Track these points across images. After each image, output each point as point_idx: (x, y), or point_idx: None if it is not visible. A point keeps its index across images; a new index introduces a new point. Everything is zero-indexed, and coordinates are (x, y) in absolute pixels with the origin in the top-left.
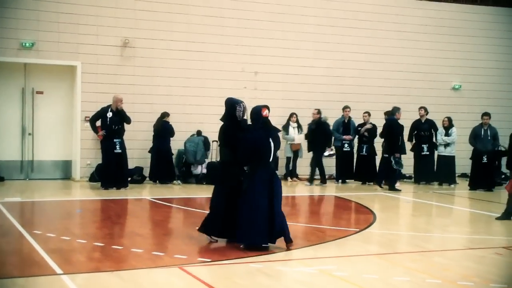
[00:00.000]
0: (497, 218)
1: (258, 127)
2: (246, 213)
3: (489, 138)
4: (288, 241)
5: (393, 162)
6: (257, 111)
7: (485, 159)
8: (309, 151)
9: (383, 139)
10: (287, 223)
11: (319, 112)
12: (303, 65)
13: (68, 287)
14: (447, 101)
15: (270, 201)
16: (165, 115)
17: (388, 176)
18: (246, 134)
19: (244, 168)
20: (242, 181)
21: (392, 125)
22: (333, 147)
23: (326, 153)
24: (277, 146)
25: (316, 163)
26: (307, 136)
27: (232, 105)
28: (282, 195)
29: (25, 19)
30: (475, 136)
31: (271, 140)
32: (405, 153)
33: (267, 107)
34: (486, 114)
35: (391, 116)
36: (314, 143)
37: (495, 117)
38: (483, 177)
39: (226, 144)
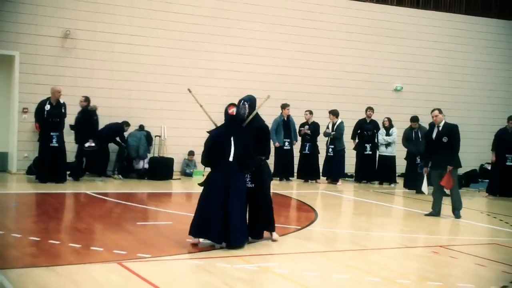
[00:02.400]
0: (456, 217)
1: (223, 125)
2: (199, 210)
3: (420, 139)
4: (232, 244)
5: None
6: (225, 109)
7: (419, 160)
8: (76, 142)
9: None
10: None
11: (86, 99)
12: (247, 62)
13: (1, 283)
14: (389, 102)
15: (225, 201)
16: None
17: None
18: (211, 132)
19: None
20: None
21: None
22: (91, 140)
23: (86, 145)
24: (242, 145)
25: (78, 155)
26: (72, 127)
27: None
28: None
29: None
30: (407, 139)
31: (232, 139)
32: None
33: (235, 105)
34: (414, 120)
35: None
36: (78, 133)
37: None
38: (417, 178)
39: None
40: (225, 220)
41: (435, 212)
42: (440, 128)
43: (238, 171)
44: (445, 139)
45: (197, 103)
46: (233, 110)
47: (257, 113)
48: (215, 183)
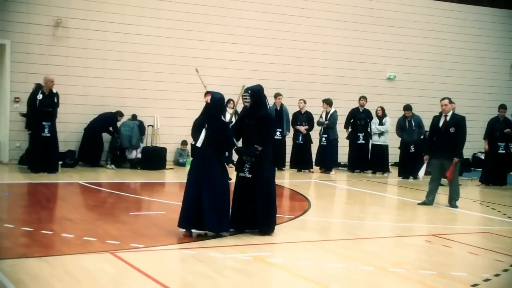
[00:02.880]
0: (452, 207)
1: (202, 112)
2: (183, 200)
3: (413, 128)
4: (207, 229)
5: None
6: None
7: (413, 148)
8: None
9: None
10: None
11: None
12: (239, 51)
13: None
14: (381, 91)
15: (199, 188)
16: None
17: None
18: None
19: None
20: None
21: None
22: None
23: None
24: (215, 133)
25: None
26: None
27: None
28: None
29: None
30: (401, 128)
31: (206, 126)
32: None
33: (210, 93)
34: (407, 109)
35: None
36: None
37: (427, 107)
38: (412, 166)
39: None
40: (198, 207)
41: (428, 201)
42: (448, 118)
43: (214, 157)
44: (452, 130)
45: (202, 84)
46: (207, 99)
47: (262, 102)
48: (190, 170)
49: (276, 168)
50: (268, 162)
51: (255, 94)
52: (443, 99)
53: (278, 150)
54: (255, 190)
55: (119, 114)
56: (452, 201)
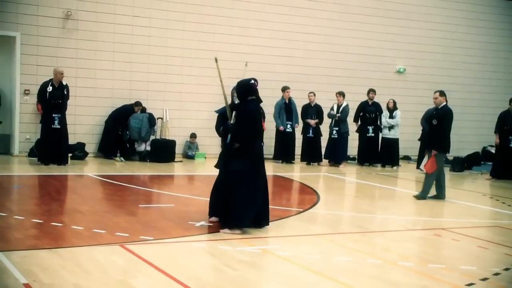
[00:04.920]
0: (415, 196)
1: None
2: None
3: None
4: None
5: None
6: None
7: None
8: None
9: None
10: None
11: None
12: (248, 43)
13: (4, 265)
14: (391, 84)
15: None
16: None
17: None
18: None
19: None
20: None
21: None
22: None
23: None
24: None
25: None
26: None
27: None
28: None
29: None
30: (427, 118)
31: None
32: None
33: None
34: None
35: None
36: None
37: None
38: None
39: None
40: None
41: (439, 195)
42: (436, 111)
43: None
44: (434, 122)
45: (219, 77)
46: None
47: (245, 97)
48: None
49: (283, 161)
50: (240, 156)
51: (238, 89)
52: (435, 92)
53: (288, 143)
54: (224, 183)
55: (136, 104)
56: (420, 193)
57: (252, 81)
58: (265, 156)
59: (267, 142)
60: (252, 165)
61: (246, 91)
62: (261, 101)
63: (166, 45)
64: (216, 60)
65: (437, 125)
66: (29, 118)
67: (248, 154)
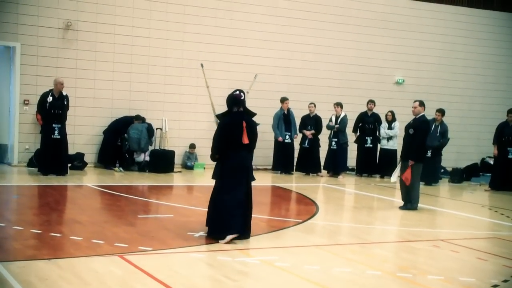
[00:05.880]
0: (400, 208)
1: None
2: None
3: (437, 134)
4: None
5: None
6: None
7: (429, 153)
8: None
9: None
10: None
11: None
12: (249, 54)
13: (3, 275)
14: (390, 95)
15: None
16: None
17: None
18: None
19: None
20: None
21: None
22: None
23: None
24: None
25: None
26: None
27: None
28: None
29: None
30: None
31: None
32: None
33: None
34: (439, 111)
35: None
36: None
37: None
38: (426, 171)
39: None
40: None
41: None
42: (413, 121)
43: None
44: (411, 131)
45: (205, 81)
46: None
47: (227, 109)
48: None
49: (282, 172)
50: (216, 167)
51: (227, 101)
52: (414, 101)
53: (286, 153)
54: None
55: (136, 118)
56: (408, 204)
57: (237, 92)
58: (264, 167)
59: (266, 152)
60: (225, 176)
61: (231, 102)
62: (251, 113)
63: (166, 56)
64: (202, 65)
65: (413, 135)
66: (29, 128)
67: (220, 164)
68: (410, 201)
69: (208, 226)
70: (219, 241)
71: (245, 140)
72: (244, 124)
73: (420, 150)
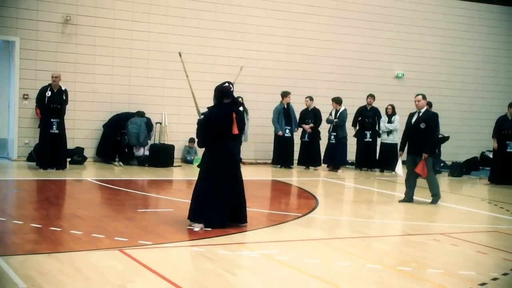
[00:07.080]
0: (400, 201)
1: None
2: None
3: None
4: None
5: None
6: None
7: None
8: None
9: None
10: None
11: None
12: (249, 48)
13: (3, 270)
14: (390, 89)
15: None
16: None
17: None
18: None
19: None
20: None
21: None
22: None
23: None
24: None
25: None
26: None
27: None
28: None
29: None
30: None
31: None
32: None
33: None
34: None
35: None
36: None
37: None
38: None
39: None
40: None
41: (408, 198)
42: (421, 114)
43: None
44: (422, 125)
45: (184, 71)
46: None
47: (216, 101)
48: None
49: (282, 166)
50: (205, 158)
51: (215, 93)
52: (417, 95)
53: (286, 147)
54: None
55: (137, 114)
56: (433, 197)
57: (226, 84)
58: (264, 161)
59: (266, 147)
60: (214, 165)
61: (221, 94)
62: (239, 104)
63: (165, 50)
64: (180, 54)
65: (425, 129)
66: (28, 123)
67: (210, 154)
68: (435, 194)
69: (193, 209)
70: (192, 224)
71: (235, 131)
72: (234, 115)
73: (433, 143)
